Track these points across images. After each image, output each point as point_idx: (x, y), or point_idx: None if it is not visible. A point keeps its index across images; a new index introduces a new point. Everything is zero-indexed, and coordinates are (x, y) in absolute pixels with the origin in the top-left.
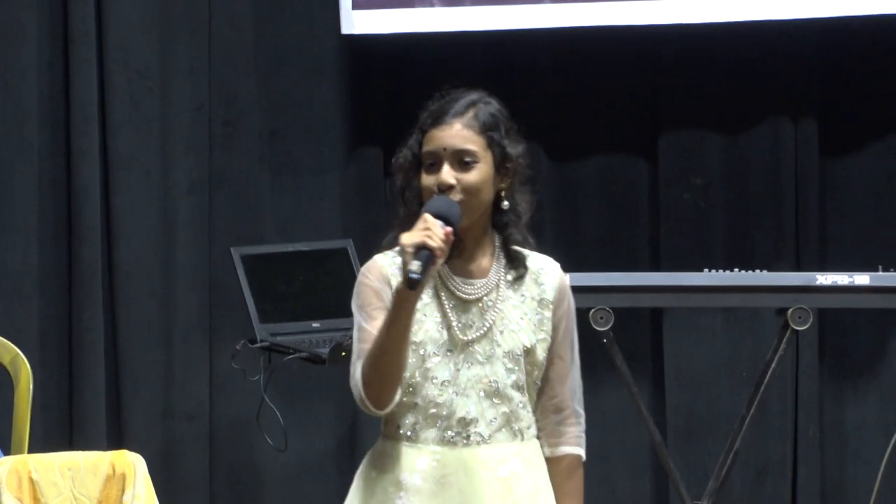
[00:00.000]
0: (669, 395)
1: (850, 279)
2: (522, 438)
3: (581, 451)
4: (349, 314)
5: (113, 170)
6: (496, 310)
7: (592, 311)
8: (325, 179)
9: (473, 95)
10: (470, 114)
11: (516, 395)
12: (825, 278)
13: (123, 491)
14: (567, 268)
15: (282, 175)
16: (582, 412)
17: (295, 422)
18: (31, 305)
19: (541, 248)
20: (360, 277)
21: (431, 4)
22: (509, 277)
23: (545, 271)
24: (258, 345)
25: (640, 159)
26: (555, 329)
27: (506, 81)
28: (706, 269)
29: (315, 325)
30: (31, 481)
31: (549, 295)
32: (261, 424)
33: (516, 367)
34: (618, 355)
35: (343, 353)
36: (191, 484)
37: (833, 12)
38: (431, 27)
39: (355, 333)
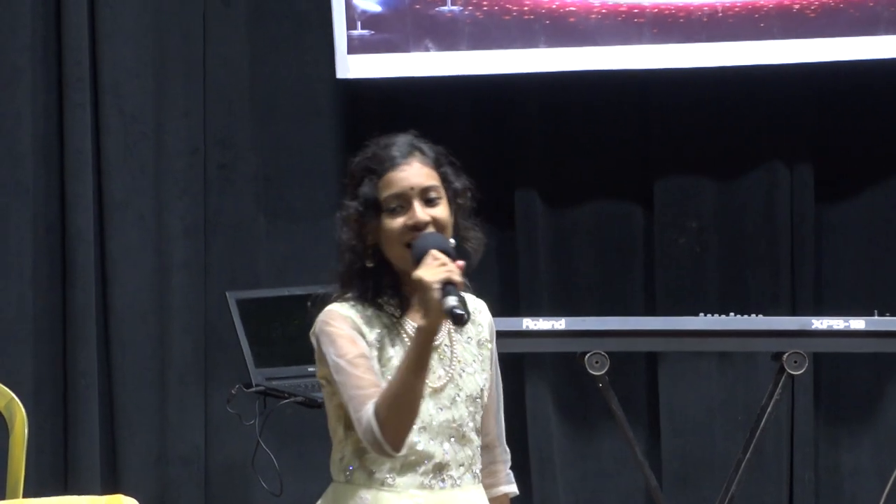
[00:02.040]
0: (665, 439)
1: (846, 323)
2: (478, 481)
3: (514, 489)
4: None
5: (107, 213)
6: (453, 354)
7: (588, 355)
8: (319, 223)
9: (407, 136)
10: (419, 152)
11: (475, 438)
12: (821, 322)
13: None
14: (562, 312)
15: (277, 219)
16: (507, 448)
17: (290, 466)
18: (26, 349)
19: (535, 293)
20: (324, 328)
21: (426, 49)
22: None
23: (479, 311)
24: (253, 389)
25: (636, 204)
26: (491, 367)
27: (500, 125)
28: (701, 314)
29: (310, 369)
30: None
31: (486, 334)
32: (256, 468)
33: (475, 410)
34: (613, 399)
35: None
36: None
37: (828, 57)
38: (426, 71)
39: (344, 381)
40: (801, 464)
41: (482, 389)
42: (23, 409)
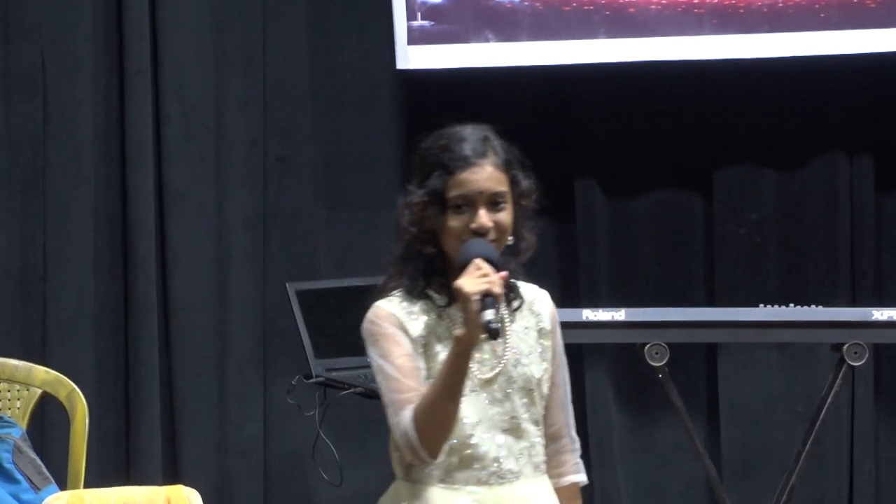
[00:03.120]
0: (724, 430)
1: None
2: (541, 472)
3: (583, 478)
4: None
5: (168, 204)
6: (506, 345)
7: (648, 346)
8: (379, 214)
9: (481, 130)
10: (492, 152)
11: (534, 430)
12: (881, 314)
13: None
14: (622, 303)
15: (336, 210)
16: (577, 438)
17: (350, 457)
18: (88, 340)
19: (594, 283)
20: (369, 327)
21: (486, 40)
22: (510, 310)
23: (539, 300)
24: (313, 380)
25: (696, 194)
26: (553, 357)
27: (560, 116)
28: (761, 305)
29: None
30: None
31: (547, 324)
32: (316, 459)
33: (531, 401)
34: (673, 391)
35: None
36: None
37: (888, 48)
38: (486, 62)
39: (384, 384)
40: (861, 456)
41: (539, 380)
42: (84, 400)
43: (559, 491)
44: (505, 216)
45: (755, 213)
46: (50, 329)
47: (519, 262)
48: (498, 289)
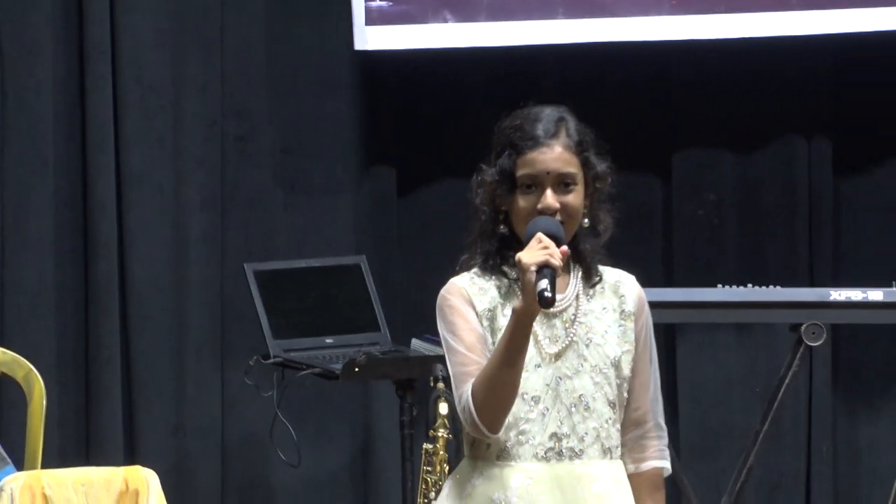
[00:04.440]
0: (683, 410)
1: (864, 295)
2: (612, 457)
3: (667, 464)
4: (363, 330)
5: (126, 186)
6: (580, 322)
7: None
8: (337, 196)
9: (557, 111)
10: (564, 133)
11: (606, 411)
12: (839, 294)
13: None
14: None
15: (294, 192)
16: (664, 425)
17: (308, 438)
18: (49, 322)
19: None
20: (441, 301)
21: (445, 20)
22: (588, 290)
23: (623, 283)
24: (271, 361)
25: (654, 176)
26: (637, 340)
27: (518, 97)
28: (720, 285)
29: (328, 340)
30: (45, 497)
31: (631, 306)
32: (273, 440)
33: (605, 381)
34: None
35: (356, 369)
36: (203, 500)
37: (847, 29)
38: (445, 43)
39: (449, 357)
40: (818, 436)
41: (617, 361)
42: (41, 381)
43: (639, 476)
44: (574, 198)
45: (713, 194)
46: (9, 311)
47: (597, 243)
48: (557, 261)
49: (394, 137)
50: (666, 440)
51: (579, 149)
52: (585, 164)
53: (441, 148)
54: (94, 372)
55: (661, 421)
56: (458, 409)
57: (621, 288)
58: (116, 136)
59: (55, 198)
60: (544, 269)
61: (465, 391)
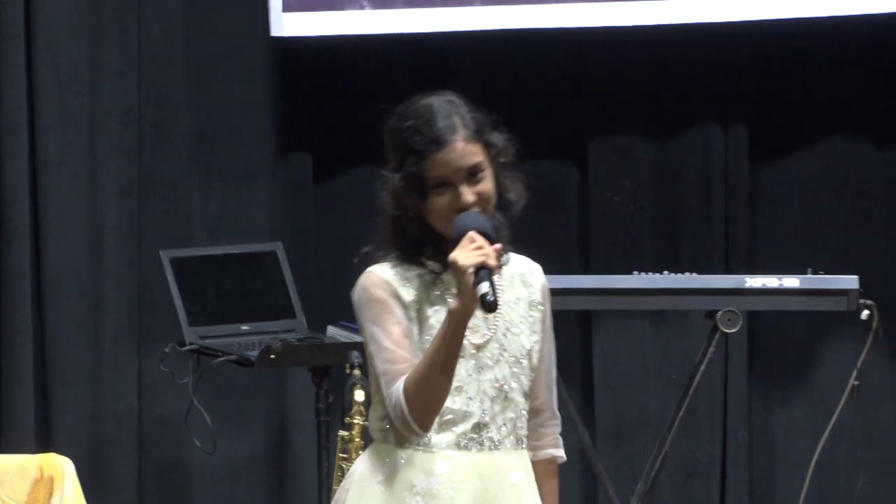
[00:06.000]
0: (598, 397)
1: (779, 282)
2: (523, 447)
3: (562, 453)
4: (278, 317)
5: (41, 172)
6: (499, 312)
7: None
8: (254, 183)
9: (445, 101)
10: (461, 124)
11: (521, 401)
12: (754, 281)
13: (52, 494)
14: None
15: (211, 178)
16: (559, 414)
17: (223, 424)
18: None
19: None
20: (362, 293)
21: (361, 7)
22: (501, 281)
23: (531, 273)
24: (187, 347)
25: (570, 163)
26: (542, 331)
27: (434, 84)
28: (636, 272)
29: (244, 327)
30: None
31: (538, 296)
32: (189, 427)
33: (521, 372)
34: None
35: (272, 356)
36: (119, 486)
37: (763, 16)
38: (362, 29)
39: (376, 353)
40: (734, 422)
41: (529, 351)
42: None
43: (537, 464)
44: (486, 185)
45: (630, 181)
46: None
47: (506, 217)
48: (493, 261)
49: (310, 124)
50: (560, 428)
51: (478, 134)
52: (487, 146)
53: (357, 135)
54: (7, 358)
55: (556, 409)
56: (389, 407)
57: (529, 278)
58: (32, 122)
59: None
60: (481, 270)
61: (396, 389)
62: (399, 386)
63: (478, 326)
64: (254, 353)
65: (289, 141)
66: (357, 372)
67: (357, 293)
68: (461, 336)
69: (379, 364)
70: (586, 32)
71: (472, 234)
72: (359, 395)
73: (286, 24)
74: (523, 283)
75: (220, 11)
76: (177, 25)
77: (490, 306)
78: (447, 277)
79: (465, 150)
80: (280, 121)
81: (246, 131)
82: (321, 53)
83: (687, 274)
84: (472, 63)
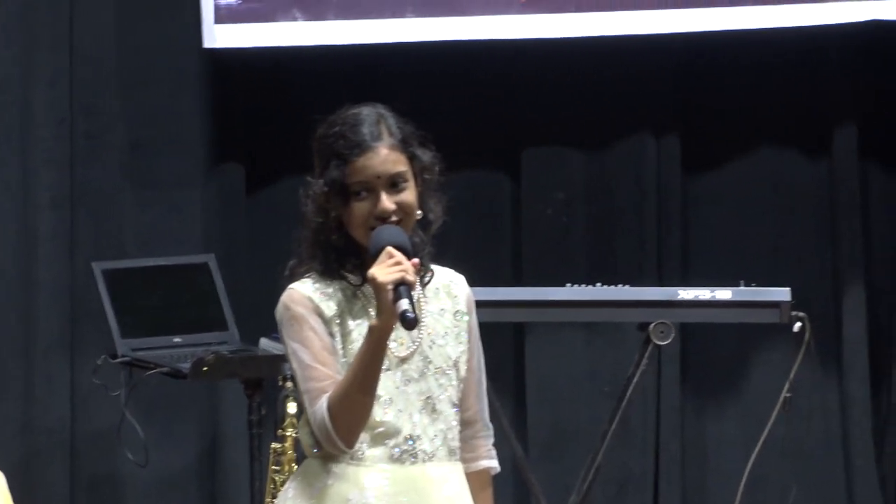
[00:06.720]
0: (531, 409)
1: (712, 294)
2: (456, 458)
3: (496, 464)
4: (211, 329)
5: None
6: (423, 324)
7: None
8: (186, 194)
9: (374, 110)
10: (386, 133)
11: (451, 413)
12: (687, 293)
13: None
14: None
15: (144, 189)
16: (490, 424)
17: (156, 437)
18: None
19: None
20: (284, 311)
21: (294, 18)
22: (424, 291)
23: (455, 283)
24: (119, 359)
25: (503, 174)
26: (469, 341)
27: (368, 96)
28: (568, 284)
29: (176, 339)
30: None
31: (463, 306)
32: (122, 439)
33: (448, 383)
34: None
35: (204, 368)
36: (51, 499)
37: (693, 28)
38: (294, 41)
39: (299, 371)
40: (667, 434)
41: (456, 361)
42: None
43: (470, 476)
44: (407, 195)
45: (562, 192)
46: None
47: (427, 235)
48: (411, 276)
49: (243, 135)
50: (492, 439)
51: (404, 145)
52: (412, 159)
53: (290, 146)
54: None
55: (488, 420)
56: (314, 426)
57: (454, 288)
58: None
59: None
60: (400, 286)
61: (320, 407)
62: (323, 404)
63: (402, 339)
64: (186, 366)
65: (221, 151)
66: (289, 384)
67: (279, 311)
68: (382, 353)
69: (302, 383)
70: (518, 44)
71: (389, 249)
72: (291, 408)
73: (218, 36)
74: (448, 293)
75: (153, 22)
76: (110, 35)
77: (410, 323)
78: (367, 290)
79: (388, 157)
80: (213, 131)
81: (178, 142)
82: (254, 64)
83: (620, 286)
84: (404, 74)
